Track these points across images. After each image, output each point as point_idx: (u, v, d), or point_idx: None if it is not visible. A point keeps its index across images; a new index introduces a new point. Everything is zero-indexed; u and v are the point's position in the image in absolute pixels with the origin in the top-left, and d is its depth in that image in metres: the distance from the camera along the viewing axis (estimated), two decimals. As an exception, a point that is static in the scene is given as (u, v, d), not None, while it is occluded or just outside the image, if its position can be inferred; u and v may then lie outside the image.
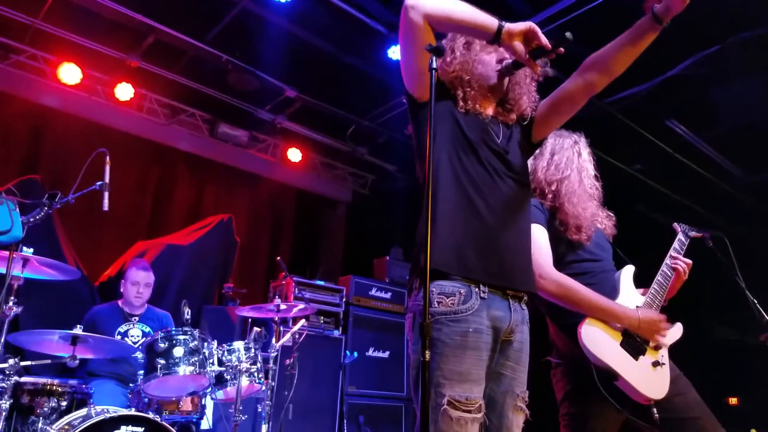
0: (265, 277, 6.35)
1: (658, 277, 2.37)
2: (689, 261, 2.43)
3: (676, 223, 2.59)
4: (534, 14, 4.08)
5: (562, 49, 1.64)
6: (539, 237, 2.20)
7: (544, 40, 1.64)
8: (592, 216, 2.36)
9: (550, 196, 2.34)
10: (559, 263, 2.22)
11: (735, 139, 5.23)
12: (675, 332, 2.30)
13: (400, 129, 6.09)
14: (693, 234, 2.57)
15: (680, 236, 2.54)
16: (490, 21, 1.69)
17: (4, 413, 2.65)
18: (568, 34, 1.61)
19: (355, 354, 5.23)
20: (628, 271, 2.36)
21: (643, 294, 2.32)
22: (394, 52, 4.88)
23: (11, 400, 2.70)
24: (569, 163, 2.39)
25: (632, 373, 2.07)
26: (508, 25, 1.66)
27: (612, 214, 2.51)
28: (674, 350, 2.31)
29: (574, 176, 2.36)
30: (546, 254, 2.18)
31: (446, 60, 1.91)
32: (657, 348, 2.20)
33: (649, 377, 2.13)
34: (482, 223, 1.71)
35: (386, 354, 5.66)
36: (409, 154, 1.91)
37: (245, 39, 4.97)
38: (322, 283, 5.52)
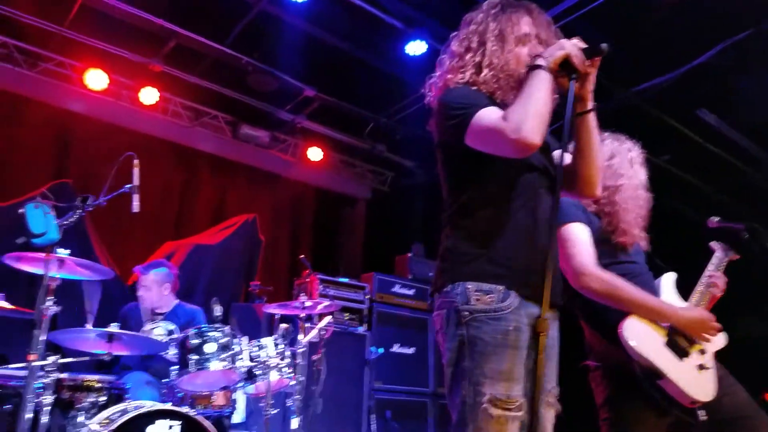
0: (288, 274, 6.42)
1: (698, 287, 2.32)
2: (725, 279, 2.37)
3: (713, 242, 2.51)
4: (553, 5, 4.05)
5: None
6: (582, 234, 2.14)
7: (577, 59, 1.62)
8: (638, 226, 2.33)
9: (603, 201, 2.27)
10: (601, 263, 2.16)
11: (767, 128, 5.12)
12: (719, 340, 2.24)
13: (419, 125, 6.10)
14: (732, 256, 2.47)
15: (718, 253, 2.46)
16: (545, 77, 1.61)
17: (47, 408, 2.74)
18: (604, 46, 1.59)
19: (380, 350, 5.27)
20: (669, 278, 2.32)
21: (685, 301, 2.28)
22: (412, 48, 4.89)
23: (53, 396, 2.80)
24: (625, 170, 2.35)
25: (677, 372, 2.01)
26: (555, 56, 1.61)
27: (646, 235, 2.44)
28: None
29: (629, 184, 2.32)
30: (589, 252, 2.11)
31: (464, 58, 1.81)
32: (702, 352, 2.13)
33: (695, 379, 2.06)
34: (529, 236, 1.68)
35: (411, 350, 5.69)
36: (428, 149, 1.90)
37: (264, 40, 5.05)
38: (345, 280, 5.57)
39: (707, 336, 2.11)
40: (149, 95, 5.48)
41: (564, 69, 1.63)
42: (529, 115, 1.55)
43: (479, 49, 1.80)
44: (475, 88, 1.76)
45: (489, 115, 1.63)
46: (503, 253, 1.65)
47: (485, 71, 1.77)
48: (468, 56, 1.81)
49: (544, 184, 1.78)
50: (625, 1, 3.91)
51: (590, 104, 1.74)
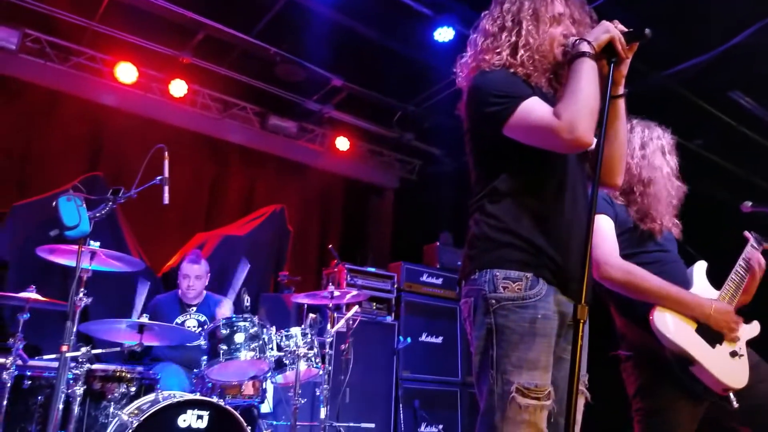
0: (316, 264, 6.46)
1: (732, 275, 2.26)
2: (764, 261, 2.32)
3: (747, 231, 2.44)
4: None
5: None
6: (605, 226, 2.15)
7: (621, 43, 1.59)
8: (670, 215, 2.30)
9: (637, 193, 2.25)
10: (627, 253, 2.15)
11: (801, 110, 4.93)
12: (752, 329, 2.22)
13: (447, 113, 6.02)
14: (766, 246, 2.41)
15: (752, 242, 2.39)
16: (593, 66, 1.58)
17: (78, 398, 2.81)
18: (647, 31, 1.54)
19: (408, 339, 5.25)
20: (701, 266, 2.28)
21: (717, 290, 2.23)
22: (441, 34, 4.81)
23: (85, 386, 2.87)
24: (657, 159, 2.31)
25: (709, 359, 1.99)
26: (600, 40, 1.58)
27: (679, 223, 2.40)
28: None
29: (660, 174, 2.29)
30: (612, 243, 2.12)
31: (500, 38, 1.76)
32: (733, 340, 2.11)
33: (727, 365, 2.04)
34: (559, 224, 1.66)
35: (439, 339, 5.66)
36: (457, 137, 1.85)
37: (291, 30, 5.02)
38: (373, 270, 5.56)
39: (730, 328, 2.09)
40: (179, 87, 5.53)
41: (604, 52, 1.59)
42: (583, 113, 1.52)
43: (515, 28, 1.75)
44: (512, 70, 1.71)
45: (538, 110, 1.59)
46: (532, 240, 1.62)
47: (521, 51, 1.72)
48: (504, 36, 1.75)
49: (575, 171, 1.74)
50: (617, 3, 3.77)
51: (622, 89, 1.69)
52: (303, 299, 4.14)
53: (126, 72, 5.27)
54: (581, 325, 1.41)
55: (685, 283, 2.19)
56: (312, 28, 4.96)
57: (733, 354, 2.08)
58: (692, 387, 1.99)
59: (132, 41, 5.17)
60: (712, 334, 2.07)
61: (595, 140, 1.53)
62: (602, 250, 2.07)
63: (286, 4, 4.73)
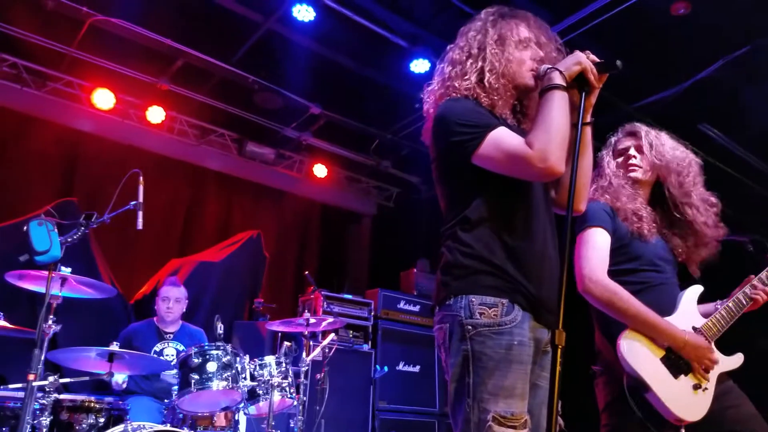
0: (293, 291, 6.41)
1: (730, 303, 2.27)
2: None
3: None
4: (556, 22, 4.08)
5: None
6: (599, 240, 2.14)
7: (592, 73, 1.64)
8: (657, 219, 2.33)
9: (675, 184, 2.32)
10: (617, 271, 2.16)
11: (770, 141, 5.11)
12: (732, 361, 2.22)
13: (424, 141, 6.11)
14: None
15: None
16: (565, 97, 1.63)
17: (45, 429, 2.72)
18: (618, 63, 1.59)
19: (386, 368, 5.21)
20: (693, 291, 2.27)
21: (705, 316, 2.23)
22: (416, 65, 4.93)
23: (51, 417, 2.78)
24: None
25: (666, 388, 2.00)
26: (572, 70, 1.63)
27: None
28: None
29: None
30: (601, 258, 2.11)
31: (466, 65, 1.78)
32: (702, 373, 2.10)
33: (686, 398, 2.05)
34: (532, 249, 1.68)
35: (416, 368, 5.63)
36: None
37: (270, 59, 5.08)
38: (350, 296, 5.54)
39: (700, 362, 2.09)
40: (156, 114, 5.52)
41: (575, 81, 1.64)
42: (555, 143, 1.56)
43: (480, 54, 1.78)
44: (477, 98, 1.74)
45: (508, 140, 1.62)
46: (504, 268, 1.63)
47: (488, 75, 1.74)
48: (469, 62, 1.79)
49: (540, 197, 1.76)
50: (626, 17, 3.92)
51: (589, 117, 1.74)
52: (278, 327, 4.09)
53: (103, 98, 5.25)
54: (559, 350, 1.42)
55: (671, 307, 2.19)
56: (291, 57, 5.02)
57: (697, 387, 2.08)
58: (641, 411, 2.00)
59: (110, 67, 5.16)
60: (679, 365, 2.08)
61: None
62: (589, 265, 2.07)
63: (265, 33, 4.79)
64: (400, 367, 5.53)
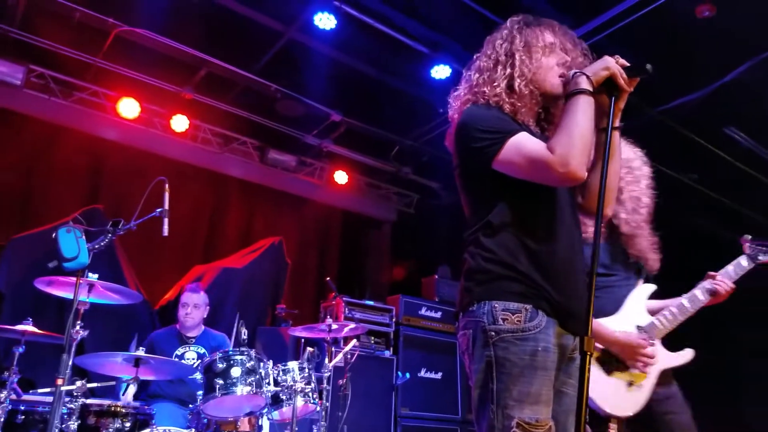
0: (314, 297, 6.44)
1: (683, 300, 2.31)
2: (732, 286, 2.34)
3: (748, 243, 2.39)
4: (579, 26, 4.05)
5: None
6: None
7: (622, 78, 1.61)
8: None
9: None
10: None
11: (796, 144, 5.01)
12: (678, 358, 2.31)
13: (444, 147, 6.07)
14: (763, 259, 2.38)
15: (742, 259, 2.37)
16: (590, 102, 1.60)
17: (73, 433, 2.76)
18: (648, 66, 1.57)
19: (407, 375, 5.19)
20: (643, 290, 2.36)
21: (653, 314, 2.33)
22: (437, 72, 4.93)
23: (78, 421, 2.82)
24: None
25: (594, 386, 2.07)
26: (599, 75, 1.61)
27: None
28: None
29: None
30: None
31: (495, 72, 1.78)
32: (640, 369, 2.22)
33: (617, 394, 2.18)
34: (556, 253, 1.66)
35: (438, 375, 5.59)
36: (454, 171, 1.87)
37: (292, 67, 5.13)
38: (371, 303, 5.53)
39: (632, 360, 2.20)
40: (180, 122, 5.61)
41: (604, 86, 1.62)
42: (577, 148, 1.54)
43: (508, 61, 1.78)
44: (501, 104, 1.73)
45: (529, 144, 1.61)
46: (530, 272, 1.61)
47: (518, 82, 1.74)
48: (499, 69, 1.78)
49: (565, 202, 1.74)
50: (650, 20, 3.88)
51: (618, 122, 1.71)
52: (300, 332, 4.10)
53: (129, 107, 5.35)
54: (588, 357, 1.40)
55: (615, 309, 2.29)
56: (312, 65, 5.07)
57: (631, 384, 2.20)
58: None
59: (135, 77, 5.26)
60: (611, 363, 2.21)
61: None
62: None
63: (287, 42, 4.84)
64: (422, 373, 5.50)
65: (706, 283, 2.33)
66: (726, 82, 4.35)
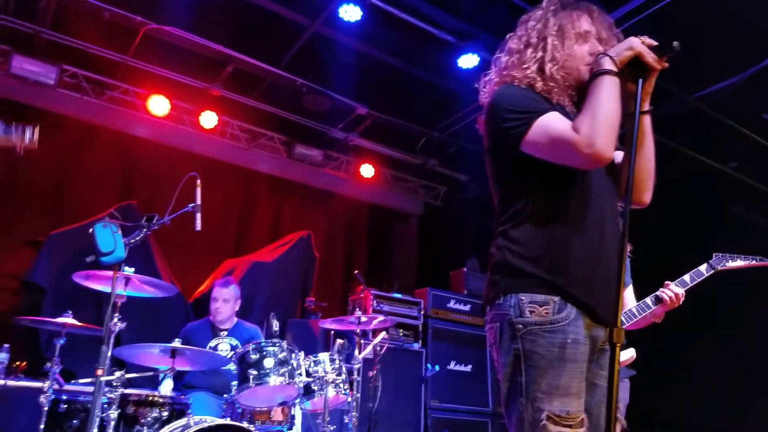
0: (341, 290, 6.48)
1: (633, 307, 2.45)
2: (680, 292, 2.48)
3: (716, 253, 2.59)
4: (611, 11, 3.96)
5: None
6: None
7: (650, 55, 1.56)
8: None
9: None
10: None
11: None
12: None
13: (471, 138, 6.06)
14: (728, 265, 2.57)
15: (702, 267, 2.57)
16: (614, 82, 1.56)
17: (113, 422, 2.83)
18: (675, 44, 1.51)
19: (437, 367, 5.19)
20: None
21: None
22: (465, 61, 4.89)
23: (119, 410, 2.89)
24: None
25: None
26: (623, 56, 1.57)
27: None
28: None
29: None
30: None
31: (525, 54, 1.74)
32: None
33: None
34: (587, 244, 1.62)
35: (468, 368, 5.58)
36: (482, 162, 1.82)
37: (317, 61, 5.15)
38: (399, 296, 5.54)
39: None
40: (209, 119, 5.68)
41: (629, 67, 1.57)
42: (603, 127, 1.49)
43: (540, 44, 1.73)
44: (533, 85, 1.70)
45: (556, 124, 1.56)
46: (559, 263, 1.58)
47: (549, 66, 1.70)
48: (529, 51, 1.74)
49: (602, 189, 1.69)
50: (685, 4, 3.77)
51: (647, 105, 1.67)
52: (330, 325, 4.13)
53: (158, 104, 5.43)
54: (617, 348, 1.38)
55: None
56: (337, 59, 5.07)
57: None
58: None
59: (164, 75, 5.34)
60: None
61: (617, 155, 1.50)
62: None
63: (312, 36, 4.85)
64: (452, 366, 5.49)
65: (658, 292, 2.50)
66: (764, 66, 4.21)
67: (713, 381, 4.75)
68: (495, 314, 1.62)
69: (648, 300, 2.52)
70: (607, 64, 1.57)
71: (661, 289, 2.50)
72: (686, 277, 2.55)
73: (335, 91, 5.54)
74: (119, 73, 5.39)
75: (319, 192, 6.71)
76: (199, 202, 3.00)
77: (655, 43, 1.57)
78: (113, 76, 5.42)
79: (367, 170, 6.60)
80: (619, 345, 1.38)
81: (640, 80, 1.55)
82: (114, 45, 5.07)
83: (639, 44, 1.57)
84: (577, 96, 1.78)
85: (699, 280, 2.55)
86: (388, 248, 7.34)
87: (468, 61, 4.87)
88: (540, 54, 1.72)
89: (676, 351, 4.73)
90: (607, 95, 1.53)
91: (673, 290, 2.50)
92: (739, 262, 2.57)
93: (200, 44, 4.93)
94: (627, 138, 1.67)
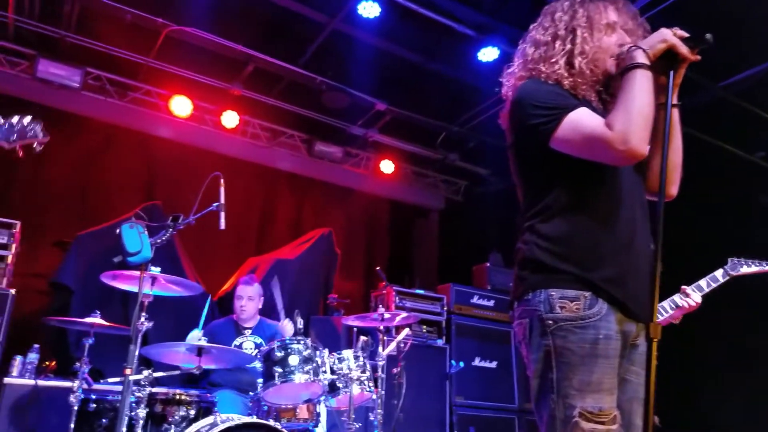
0: (363, 287, 6.48)
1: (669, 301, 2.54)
2: (699, 300, 2.54)
3: (731, 258, 2.65)
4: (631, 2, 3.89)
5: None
6: None
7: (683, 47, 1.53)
8: None
9: None
10: None
11: None
12: None
13: (491, 132, 6.00)
14: (743, 271, 2.62)
15: (718, 272, 2.61)
16: (648, 77, 1.52)
17: (141, 421, 2.87)
18: (708, 36, 1.48)
19: (461, 363, 5.17)
20: None
21: None
22: (484, 54, 4.84)
23: (147, 409, 2.93)
24: None
25: None
26: (656, 48, 1.53)
27: None
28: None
29: None
30: None
31: (553, 47, 1.70)
32: None
33: None
34: (618, 238, 1.60)
35: (493, 364, 5.54)
36: (503, 155, 1.80)
37: (336, 58, 5.15)
38: (421, 291, 5.53)
39: None
40: (230, 119, 5.71)
41: (661, 59, 1.53)
42: (637, 123, 1.47)
43: (568, 36, 1.70)
44: (560, 80, 1.66)
45: (587, 121, 1.54)
46: (589, 258, 1.55)
47: (578, 59, 1.66)
48: (557, 44, 1.70)
49: (630, 183, 1.67)
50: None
51: (676, 98, 1.62)
52: (353, 322, 4.14)
53: (181, 105, 5.48)
54: (654, 343, 1.36)
55: None
56: (355, 55, 5.06)
57: None
58: None
59: (186, 75, 5.39)
60: None
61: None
62: None
63: (331, 33, 4.85)
64: (476, 362, 5.46)
65: (675, 296, 2.54)
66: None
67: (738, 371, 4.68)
68: (524, 310, 1.61)
69: (666, 305, 2.59)
70: (640, 57, 1.53)
71: (678, 294, 2.57)
72: (702, 283, 2.62)
73: (354, 88, 5.54)
74: (142, 74, 5.45)
75: (340, 189, 6.72)
76: (222, 201, 3.02)
77: (687, 35, 1.53)
78: (136, 78, 5.49)
79: (387, 166, 6.59)
80: (656, 340, 1.37)
81: (672, 73, 1.52)
82: (136, 47, 5.13)
83: (672, 36, 1.53)
84: (605, 90, 1.75)
85: (715, 285, 2.62)
86: (410, 244, 7.33)
87: (488, 54, 4.82)
88: (569, 46, 1.68)
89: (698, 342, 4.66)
90: (641, 90, 1.50)
91: (693, 299, 2.59)
92: (754, 268, 2.64)
93: (221, 44, 4.96)
94: (656, 131, 1.63)
